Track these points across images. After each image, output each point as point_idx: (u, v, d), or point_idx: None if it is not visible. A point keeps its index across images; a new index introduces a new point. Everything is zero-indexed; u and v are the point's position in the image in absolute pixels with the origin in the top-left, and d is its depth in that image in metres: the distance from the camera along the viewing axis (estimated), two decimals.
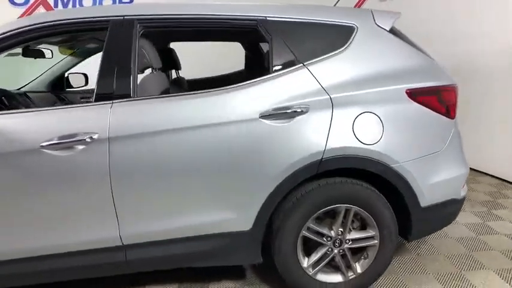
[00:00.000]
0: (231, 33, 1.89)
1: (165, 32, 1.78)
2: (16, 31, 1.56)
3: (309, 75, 1.69)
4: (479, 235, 2.46)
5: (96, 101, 1.58)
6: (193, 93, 1.64)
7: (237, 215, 1.68)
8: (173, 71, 2.79)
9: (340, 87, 1.69)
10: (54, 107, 1.60)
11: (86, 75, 3.08)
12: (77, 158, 1.51)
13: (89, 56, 2.89)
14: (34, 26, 1.58)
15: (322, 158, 1.65)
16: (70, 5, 4.47)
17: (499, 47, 3.32)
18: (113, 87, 1.59)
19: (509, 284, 1.94)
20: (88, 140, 1.51)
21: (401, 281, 2.00)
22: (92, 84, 3.10)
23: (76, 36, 2.08)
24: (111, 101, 1.57)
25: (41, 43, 2.15)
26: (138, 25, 1.65)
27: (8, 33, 1.56)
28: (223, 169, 1.62)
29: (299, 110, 1.64)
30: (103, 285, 1.93)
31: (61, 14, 1.63)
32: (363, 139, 1.67)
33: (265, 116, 1.62)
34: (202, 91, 1.65)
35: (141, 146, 1.55)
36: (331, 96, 1.67)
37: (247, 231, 1.70)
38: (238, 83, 1.66)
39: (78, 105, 1.59)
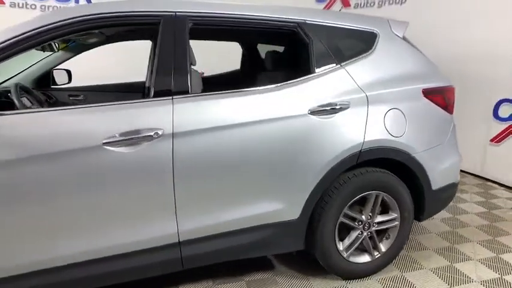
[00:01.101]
0: (270, 34, 1.97)
1: (208, 30, 1.80)
2: (68, 21, 1.46)
3: (347, 75, 1.87)
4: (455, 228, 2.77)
5: (154, 97, 1.55)
6: (248, 90, 1.70)
7: (287, 205, 1.78)
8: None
9: (371, 86, 1.90)
10: (112, 103, 1.52)
11: (69, 72, 2.89)
12: (141, 154, 1.48)
13: (80, 52, 2.71)
14: (83, 18, 1.50)
15: (361, 150, 1.83)
16: None
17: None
18: (172, 83, 1.58)
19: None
20: (154, 136, 1.48)
21: (402, 276, 2.27)
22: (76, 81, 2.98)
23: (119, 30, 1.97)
24: (171, 97, 1.56)
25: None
26: (189, 22, 1.66)
27: (60, 23, 1.46)
28: (277, 162, 1.72)
29: (341, 107, 1.80)
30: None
31: (109, 6, 1.56)
32: (392, 132, 1.90)
33: (313, 112, 1.75)
34: (255, 88, 1.72)
35: (203, 141, 1.57)
36: (367, 94, 1.87)
37: (295, 220, 1.81)
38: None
39: (136, 100, 1.55)
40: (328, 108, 1.78)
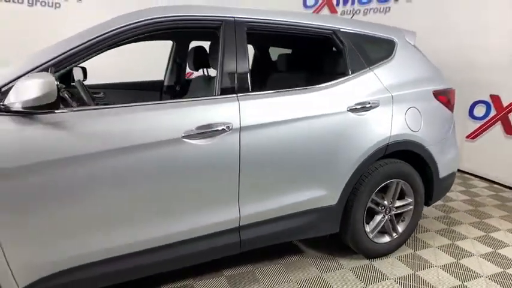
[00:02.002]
0: (307, 39, 2.18)
1: (259, 35, 1.95)
2: (143, 22, 1.57)
3: (375, 77, 2.13)
4: (448, 213, 3.25)
5: (221, 94, 1.71)
6: (299, 89, 1.90)
7: (328, 192, 2.01)
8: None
9: (394, 88, 2.18)
10: (186, 100, 1.64)
11: (84, 69, 2.91)
12: (215, 146, 1.63)
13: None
14: (159, 19, 1.62)
15: (388, 143, 2.10)
16: None
17: None
18: (235, 82, 1.74)
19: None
20: (226, 129, 1.64)
21: (416, 254, 2.59)
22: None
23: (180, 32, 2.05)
24: (235, 95, 1.72)
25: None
26: (245, 27, 1.83)
27: (135, 24, 1.56)
28: (322, 153, 1.93)
29: (372, 105, 2.06)
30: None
31: (177, 10, 1.68)
32: (412, 127, 2.19)
33: (351, 109, 1.99)
34: (303, 88, 1.93)
35: (264, 135, 1.75)
36: (392, 94, 2.14)
37: (334, 205, 2.04)
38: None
39: (207, 98, 1.68)
40: (363, 106, 2.03)
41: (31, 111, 1.28)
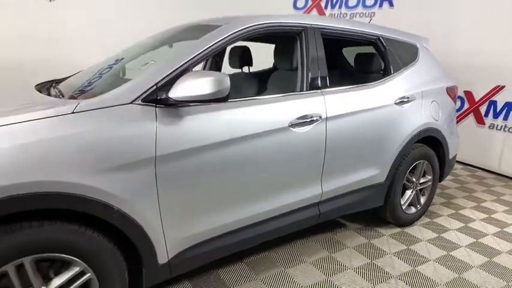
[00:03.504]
0: (358, 42, 2.55)
1: (325, 39, 2.27)
2: (250, 28, 1.82)
3: (409, 76, 2.58)
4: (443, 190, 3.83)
5: (309, 89, 2.02)
6: (361, 85, 2.28)
7: (380, 171, 2.42)
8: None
9: (422, 85, 2.65)
10: (286, 94, 1.92)
11: None
12: (310, 133, 1.94)
13: None
14: (260, 25, 1.88)
15: (420, 130, 2.57)
16: None
17: None
18: (319, 79, 2.06)
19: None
20: (318, 119, 1.96)
21: (433, 222, 3.12)
22: None
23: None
24: (320, 90, 2.05)
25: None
26: (320, 32, 2.15)
27: (245, 29, 1.81)
28: (377, 138, 2.33)
29: (409, 99, 2.51)
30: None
31: (268, 18, 1.95)
32: (434, 117, 2.68)
33: (396, 102, 2.42)
34: (364, 84, 2.30)
35: (342, 123, 2.10)
36: (422, 90, 2.61)
37: (382, 182, 2.46)
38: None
39: (301, 92, 1.99)
40: (403, 100, 2.47)
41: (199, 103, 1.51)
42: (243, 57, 2.80)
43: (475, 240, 2.64)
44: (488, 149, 4.30)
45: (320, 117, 1.98)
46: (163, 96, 1.49)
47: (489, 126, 4.29)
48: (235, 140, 1.67)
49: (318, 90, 2.04)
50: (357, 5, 5.49)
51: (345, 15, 5.64)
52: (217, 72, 1.49)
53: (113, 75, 2.00)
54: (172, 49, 2.18)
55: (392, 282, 2.09)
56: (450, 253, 2.44)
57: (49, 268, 1.38)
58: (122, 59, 2.20)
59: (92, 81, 1.94)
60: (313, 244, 2.47)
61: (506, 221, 2.98)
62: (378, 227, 2.76)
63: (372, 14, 5.36)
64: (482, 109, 4.35)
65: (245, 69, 3.04)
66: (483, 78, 4.27)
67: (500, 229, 2.83)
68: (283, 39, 2.14)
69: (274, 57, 2.41)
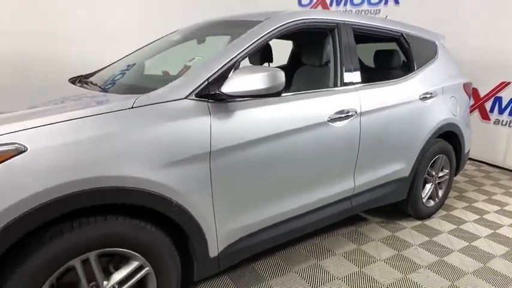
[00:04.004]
0: (383, 39, 2.59)
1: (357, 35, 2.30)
2: (287, 24, 1.85)
3: (431, 73, 2.65)
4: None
5: (344, 85, 2.05)
6: (389, 81, 2.33)
7: (405, 165, 2.47)
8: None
9: (442, 81, 2.71)
10: (324, 90, 1.96)
11: None
12: (346, 128, 1.98)
13: None
14: (305, 20, 1.91)
15: (442, 125, 2.63)
16: None
17: None
18: (353, 75, 2.10)
19: None
20: (354, 114, 2.00)
21: (449, 215, 3.20)
22: None
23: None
24: (353, 86, 2.09)
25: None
26: (351, 29, 2.19)
27: (285, 25, 1.83)
28: (402, 133, 2.38)
29: (432, 95, 2.57)
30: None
31: (306, 13, 1.98)
32: (453, 113, 2.76)
33: (421, 98, 2.47)
34: (392, 80, 2.35)
35: (373, 118, 2.14)
36: (443, 86, 2.67)
37: (407, 176, 2.52)
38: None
39: (336, 88, 2.02)
40: (426, 95, 2.53)
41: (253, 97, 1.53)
42: (264, 53, 2.82)
43: (493, 231, 2.72)
44: (493, 144, 4.42)
45: (355, 112, 2.02)
46: (216, 91, 1.51)
47: (494, 122, 4.41)
48: (282, 134, 1.70)
49: (352, 86, 2.08)
50: (362, 3, 5.55)
51: (350, 13, 5.69)
52: (272, 68, 1.51)
53: (153, 70, 2.01)
54: (205, 44, 2.20)
55: (422, 272, 2.16)
56: (472, 243, 2.52)
57: (108, 263, 1.39)
58: (153, 54, 2.21)
59: (134, 75, 1.94)
60: (341, 237, 2.52)
61: None
62: (399, 220, 2.82)
63: (377, 12, 5.43)
64: (488, 105, 4.46)
65: (265, 65, 3.07)
66: (488, 75, 4.38)
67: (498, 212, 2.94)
68: (315, 35, 2.17)
69: (302, 54, 2.44)
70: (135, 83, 1.94)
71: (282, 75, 1.50)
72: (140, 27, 4.75)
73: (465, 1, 4.48)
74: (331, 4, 5.82)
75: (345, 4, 5.71)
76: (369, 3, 5.49)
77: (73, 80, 2.09)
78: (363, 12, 5.57)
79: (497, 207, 3.17)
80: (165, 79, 2.14)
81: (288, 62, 3.57)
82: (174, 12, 5.02)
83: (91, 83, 1.94)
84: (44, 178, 1.12)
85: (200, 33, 2.31)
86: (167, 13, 5.04)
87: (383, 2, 5.33)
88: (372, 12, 5.48)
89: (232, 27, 2.01)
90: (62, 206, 1.15)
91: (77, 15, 4.62)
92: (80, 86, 1.86)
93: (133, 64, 2.21)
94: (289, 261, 2.20)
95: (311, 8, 5.91)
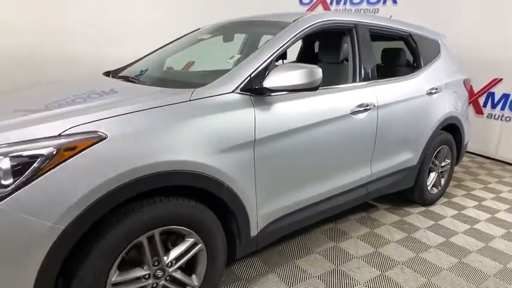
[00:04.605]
0: (394, 38, 2.79)
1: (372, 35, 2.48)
2: (314, 25, 2.02)
3: (436, 69, 2.86)
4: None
5: (363, 81, 2.24)
6: (400, 77, 2.53)
7: (413, 155, 2.68)
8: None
9: (446, 77, 2.93)
10: (345, 85, 2.14)
11: None
12: (365, 120, 2.17)
13: None
14: (330, 21, 2.09)
15: (446, 118, 2.85)
16: None
17: None
18: (370, 71, 2.28)
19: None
20: (372, 107, 2.19)
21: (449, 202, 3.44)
22: None
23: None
24: (371, 81, 2.27)
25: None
26: (367, 29, 2.37)
27: (315, 25, 2.01)
28: (411, 125, 2.59)
29: (437, 90, 2.78)
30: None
31: (333, 15, 2.16)
32: (455, 107, 2.98)
33: (428, 92, 2.68)
34: (399, 77, 2.55)
35: (388, 111, 2.33)
36: (446, 82, 2.89)
37: (415, 165, 2.73)
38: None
39: (357, 84, 2.20)
40: (432, 90, 2.74)
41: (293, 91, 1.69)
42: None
43: (491, 215, 2.97)
44: (486, 136, 4.70)
45: (374, 105, 2.21)
46: (257, 85, 1.67)
47: (487, 116, 4.68)
48: (314, 124, 1.88)
49: (370, 82, 2.27)
50: (361, 2, 5.75)
51: (349, 12, 5.89)
52: (310, 65, 1.68)
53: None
54: (232, 43, 2.35)
55: (432, 251, 2.37)
56: (473, 226, 2.75)
57: (166, 241, 1.54)
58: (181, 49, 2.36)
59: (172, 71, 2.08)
60: (355, 222, 2.72)
61: None
62: (405, 207, 3.04)
63: (376, 11, 5.64)
64: (481, 100, 4.73)
65: (279, 62, 3.23)
66: (482, 72, 4.63)
67: (509, 206, 3.18)
68: (335, 34, 2.34)
69: (320, 51, 2.61)
70: (174, 77, 2.10)
71: (319, 72, 1.66)
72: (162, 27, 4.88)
73: (461, 2, 4.72)
74: (331, 3, 6.00)
75: (345, 3, 5.90)
76: (368, 2, 5.69)
77: (107, 74, 2.24)
78: (362, 11, 5.77)
79: (493, 195, 3.43)
80: (201, 74, 2.29)
81: (296, 59, 3.74)
82: (193, 12, 5.17)
83: (131, 77, 2.07)
84: (124, 162, 1.27)
85: (230, 31, 2.46)
86: (188, 13, 5.20)
87: (381, 1, 5.54)
88: (371, 11, 5.69)
89: (264, 27, 2.16)
90: (138, 186, 1.30)
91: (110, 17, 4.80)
92: (123, 80, 2.00)
93: (163, 60, 2.36)
94: (310, 244, 2.38)
95: (311, 6, 6.09)
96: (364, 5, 5.72)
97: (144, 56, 2.65)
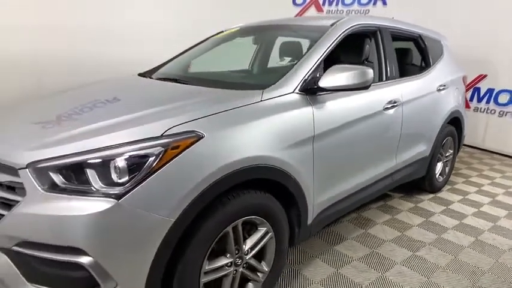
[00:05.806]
0: (406, 39, 3.01)
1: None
2: (350, 28, 2.20)
3: (442, 68, 3.13)
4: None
5: (389, 79, 2.45)
6: (415, 76, 2.76)
7: (426, 146, 2.94)
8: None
9: (450, 75, 3.21)
10: (380, 83, 2.35)
11: None
12: (394, 115, 2.38)
13: None
14: (356, 26, 2.27)
15: (451, 112, 3.13)
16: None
17: None
18: (394, 70, 2.50)
19: None
20: (399, 103, 2.41)
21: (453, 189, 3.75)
22: None
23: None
24: (395, 80, 2.49)
25: None
26: (389, 31, 2.59)
27: (349, 29, 2.19)
28: (424, 119, 2.84)
29: (445, 87, 3.05)
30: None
31: (366, 19, 2.37)
32: (457, 102, 3.27)
33: (437, 89, 2.95)
34: (416, 75, 2.79)
35: (409, 107, 2.56)
36: (451, 79, 3.17)
37: (427, 156, 2.99)
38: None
39: (386, 82, 2.41)
40: (441, 87, 3.01)
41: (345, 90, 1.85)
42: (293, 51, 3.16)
43: (492, 199, 3.29)
44: (474, 128, 5.09)
45: (400, 101, 2.43)
46: (312, 85, 1.83)
47: (474, 109, 5.08)
48: (359, 119, 2.07)
49: (395, 80, 2.49)
50: (352, 3, 6.02)
51: (341, 12, 6.15)
52: (362, 66, 1.85)
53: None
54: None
55: (450, 233, 2.63)
56: (480, 209, 3.05)
57: (243, 230, 1.67)
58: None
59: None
60: (376, 210, 2.94)
61: (506, 184, 3.70)
62: (416, 195, 3.30)
63: (367, 11, 5.93)
64: (468, 95, 5.11)
65: None
66: (468, 69, 4.98)
67: (505, 190, 3.53)
68: (357, 36, 2.52)
69: (346, 52, 2.80)
70: (224, 79, 2.23)
71: (371, 72, 1.85)
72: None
73: (450, 2, 5.07)
74: (323, 4, 6.23)
75: (337, 4, 6.15)
76: (359, 3, 5.97)
77: (143, 74, 2.35)
78: (353, 12, 6.05)
79: (489, 181, 3.77)
80: (242, 75, 2.42)
81: None
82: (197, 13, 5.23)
83: (179, 79, 2.16)
84: (220, 158, 1.39)
85: (269, 35, 2.60)
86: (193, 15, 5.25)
87: (372, 2, 5.84)
88: (362, 12, 5.97)
89: (304, 31, 2.33)
90: (233, 179, 1.43)
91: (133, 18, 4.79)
92: (172, 81, 2.11)
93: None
94: (343, 232, 2.57)
95: (305, 7, 6.29)
96: (356, 6, 5.99)
97: (173, 58, 2.74)
